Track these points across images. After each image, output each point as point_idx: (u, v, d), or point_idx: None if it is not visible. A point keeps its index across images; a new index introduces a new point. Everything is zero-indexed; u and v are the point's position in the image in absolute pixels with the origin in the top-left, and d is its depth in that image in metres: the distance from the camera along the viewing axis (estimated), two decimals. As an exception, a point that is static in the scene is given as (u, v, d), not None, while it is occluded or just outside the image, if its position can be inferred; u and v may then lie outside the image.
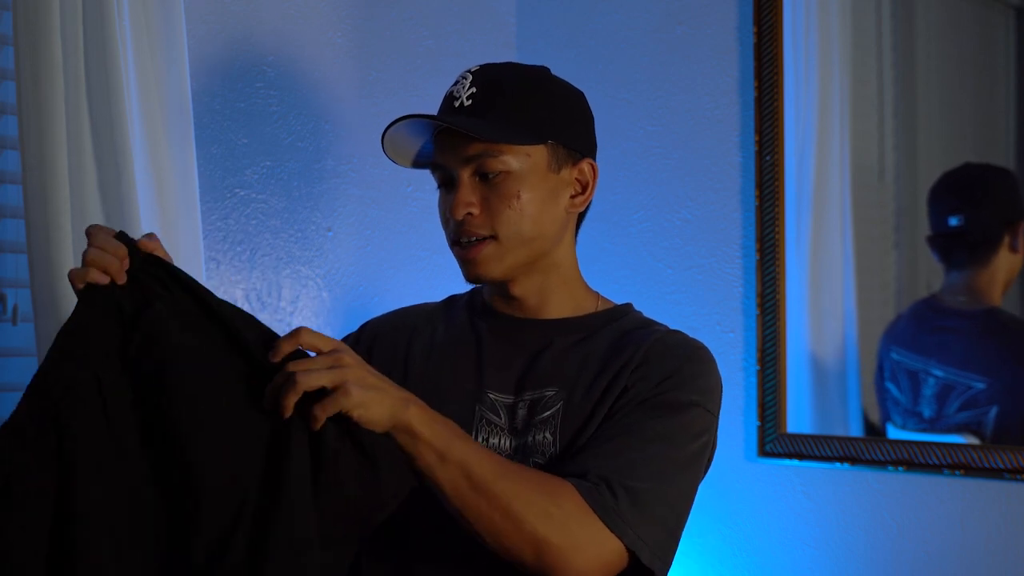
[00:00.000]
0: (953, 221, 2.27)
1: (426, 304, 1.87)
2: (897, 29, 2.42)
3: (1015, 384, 2.23)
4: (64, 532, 1.41)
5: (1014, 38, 2.29)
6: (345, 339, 1.83)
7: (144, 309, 1.47)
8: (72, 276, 1.46)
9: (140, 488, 1.45)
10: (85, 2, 1.82)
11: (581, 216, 1.78)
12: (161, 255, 1.51)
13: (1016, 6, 2.27)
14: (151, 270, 1.50)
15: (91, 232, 1.47)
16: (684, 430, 1.63)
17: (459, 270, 1.72)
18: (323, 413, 1.43)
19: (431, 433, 1.50)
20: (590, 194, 1.73)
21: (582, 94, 1.76)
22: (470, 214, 1.66)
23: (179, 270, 1.51)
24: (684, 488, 1.63)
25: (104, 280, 1.45)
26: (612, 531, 1.54)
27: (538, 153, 1.68)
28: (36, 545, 1.40)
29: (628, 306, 1.79)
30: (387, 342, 1.80)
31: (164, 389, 1.45)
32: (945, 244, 2.29)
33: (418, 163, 1.76)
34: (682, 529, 1.63)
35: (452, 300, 1.85)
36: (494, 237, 1.66)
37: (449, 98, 1.69)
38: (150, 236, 1.52)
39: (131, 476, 1.44)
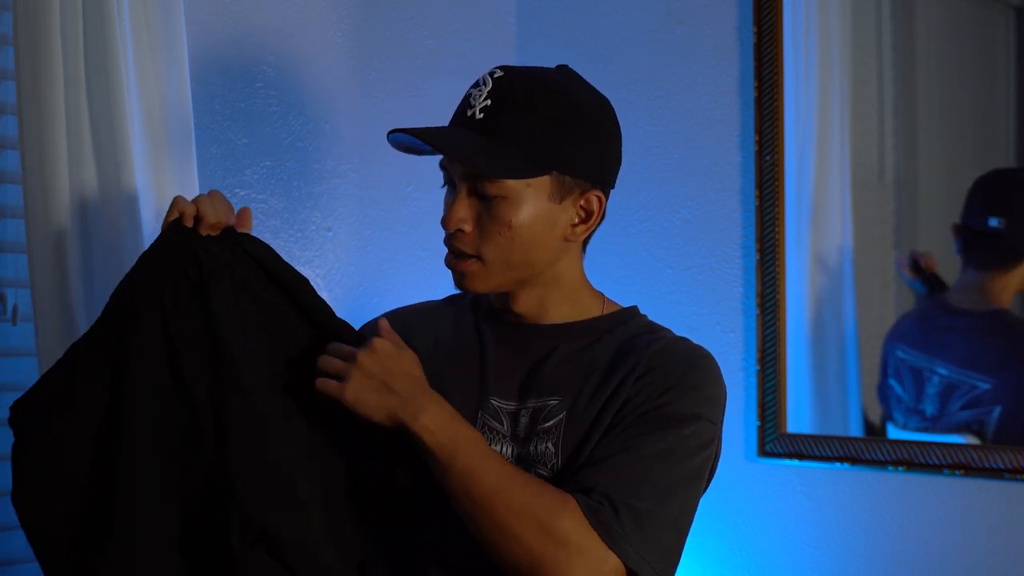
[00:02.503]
0: (993, 222, 2.25)
1: (428, 302, 1.86)
2: (897, 29, 2.42)
3: (1020, 385, 2.23)
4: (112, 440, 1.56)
5: (1014, 38, 2.29)
6: None
7: (223, 261, 1.62)
8: (176, 203, 1.63)
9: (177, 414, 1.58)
10: (85, 2, 1.82)
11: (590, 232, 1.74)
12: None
13: (1016, 6, 2.27)
14: (249, 247, 1.64)
15: (215, 191, 1.67)
16: (686, 444, 1.61)
17: None
18: (321, 390, 1.58)
19: (436, 443, 1.55)
20: (594, 224, 1.69)
21: (607, 106, 1.70)
22: (461, 230, 1.64)
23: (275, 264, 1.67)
24: (686, 504, 1.62)
25: (189, 223, 1.61)
26: (612, 549, 1.53)
27: (540, 182, 1.63)
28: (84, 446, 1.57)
29: (634, 309, 1.77)
30: None
31: (220, 339, 1.59)
32: (972, 239, 2.27)
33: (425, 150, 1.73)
34: (683, 545, 1.63)
35: (456, 298, 1.83)
36: (478, 258, 1.65)
37: (465, 103, 1.65)
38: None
39: (175, 405, 1.58)
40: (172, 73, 1.93)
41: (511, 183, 1.62)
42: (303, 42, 2.34)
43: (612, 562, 1.53)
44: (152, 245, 1.62)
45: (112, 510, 1.53)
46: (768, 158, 2.43)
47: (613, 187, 1.72)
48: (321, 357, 1.58)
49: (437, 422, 1.56)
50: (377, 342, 1.58)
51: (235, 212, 1.67)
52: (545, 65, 1.74)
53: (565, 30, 2.70)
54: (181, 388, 1.57)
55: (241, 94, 2.24)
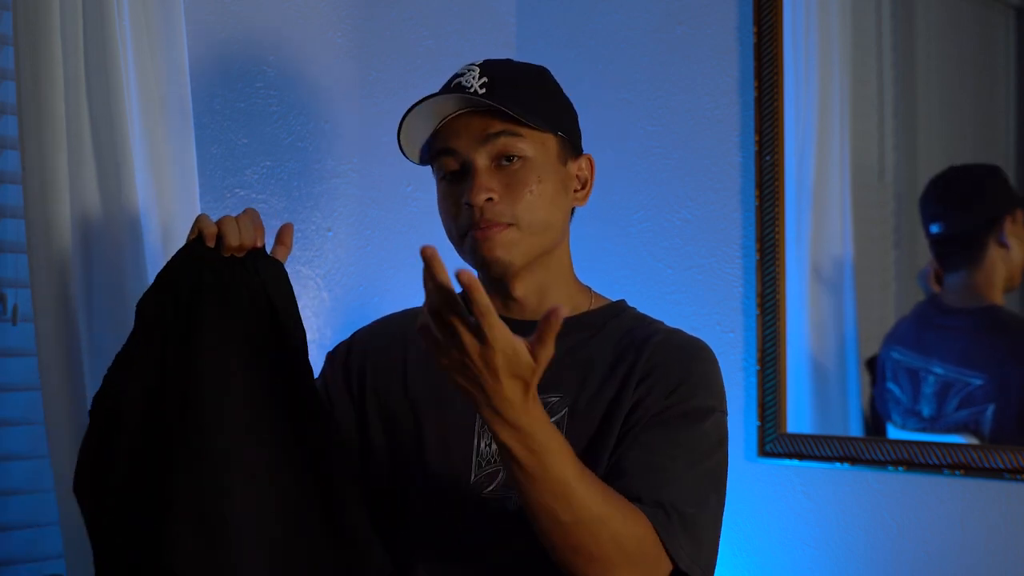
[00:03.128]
0: (934, 228, 2.29)
1: (418, 308, 1.86)
2: (897, 29, 2.42)
3: (1011, 381, 2.23)
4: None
5: (1014, 38, 2.29)
6: (335, 350, 1.83)
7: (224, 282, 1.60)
8: (198, 221, 1.61)
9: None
10: (85, 2, 1.82)
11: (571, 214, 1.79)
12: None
13: (1016, 6, 2.27)
14: (265, 272, 1.62)
15: (249, 211, 1.65)
16: (709, 440, 1.65)
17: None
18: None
19: (522, 453, 1.43)
20: (589, 189, 1.75)
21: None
22: (490, 199, 1.65)
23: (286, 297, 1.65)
24: (719, 502, 1.66)
25: (211, 243, 1.60)
26: (669, 554, 1.55)
27: (551, 143, 1.69)
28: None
29: (622, 303, 1.79)
30: (382, 351, 1.79)
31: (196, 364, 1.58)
32: (938, 249, 2.30)
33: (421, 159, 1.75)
34: (719, 543, 1.66)
35: None
36: (512, 224, 1.66)
37: (458, 88, 1.68)
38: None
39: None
40: (172, 73, 1.93)
41: (529, 145, 1.66)
42: (303, 42, 2.34)
43: (665, 566, 1.56)
44: (168, 262, 1.62)
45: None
46: (768, 158, 2.43)
47: None
48: (440, 342, 1.38)
49: (522, 436, 1.43)
50: (498, 351, 1.37)
51: (261, 229, 1.65)
52: (545, 64, 1.78)
53: (565, 30, 2.70)
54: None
55: (241, 94, 2.24)
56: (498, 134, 1.65)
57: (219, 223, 1.61)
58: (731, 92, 2.49)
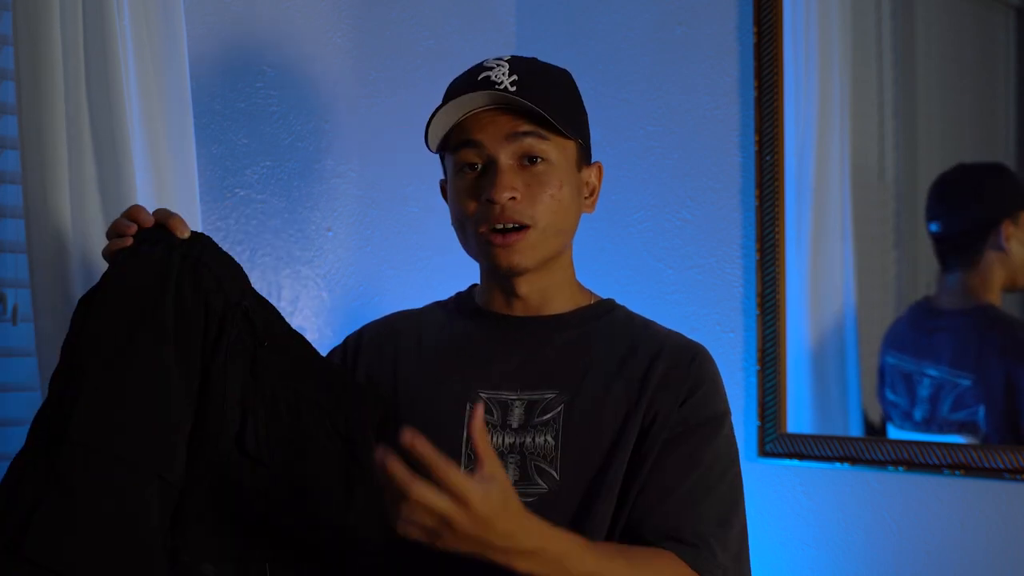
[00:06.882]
0: (933, 227, 2.28)
1: (409, 310, 1.88)
2: (897, 29, 2.42)
3: (998, 380, 2.22)
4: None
5: (1014, 38, 2.29)
6: (331, 353, 1.84)
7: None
8: (132, 214, 1.56)
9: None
10: (85, 2, 1.82)
11: None
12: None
13: (1016, 6, 2.27)
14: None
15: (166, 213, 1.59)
16: (729, 447, 1.69)
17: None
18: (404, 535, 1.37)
19: (546, 570, 1.43)
20: (596, 197, 1.77)
21: None
22: (513, 199, 1.65)
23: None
24: (743, 510, 1.69)
25: (121, 244, 1.54)
26: None
27: (571, 149, 1.70)
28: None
29: (611, 302, 1.81)
30: (373, 350, 1.80)
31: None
32: (935, 245, 2.30)
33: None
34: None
35: (436, 306, 1.85)
36: (530, 226, 1.66)
37: (486, 81, 1.66)
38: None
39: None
40: (172, 73, 1.93)
41: (553, 148, 1.66)
42: (303, 42, 2.34)
43: None
44: (135, 269, 1.55)
45: None
46: (768, 158, 2.43)
47: None
48: (408, 505, 1.33)
49: (538, 559, 1.43)
50: (474, 499, 1.34)
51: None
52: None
53: (565, 30, 2.70)
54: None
55: (241, 94, 2.24)
56: (525, 134, 1.65)
57: (146, 213, 1.58)
58: (731, 92, 2.49)
